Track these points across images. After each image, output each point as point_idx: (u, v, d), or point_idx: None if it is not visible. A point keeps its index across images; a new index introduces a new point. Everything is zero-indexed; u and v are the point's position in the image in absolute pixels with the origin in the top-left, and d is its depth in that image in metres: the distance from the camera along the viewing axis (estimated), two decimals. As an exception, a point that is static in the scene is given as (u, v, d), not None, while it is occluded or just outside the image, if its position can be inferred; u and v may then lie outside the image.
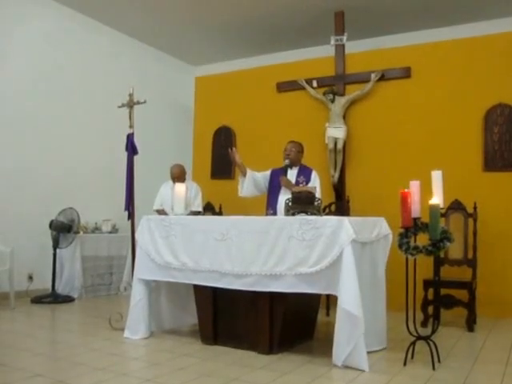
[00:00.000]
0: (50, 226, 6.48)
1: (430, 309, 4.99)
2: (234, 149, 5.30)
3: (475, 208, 5.35)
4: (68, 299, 6.39)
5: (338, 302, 3.46)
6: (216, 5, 7.02)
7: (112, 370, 3.41)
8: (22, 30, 6.69)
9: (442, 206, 3.41)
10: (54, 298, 6.30)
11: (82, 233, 6.86)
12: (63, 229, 6.49)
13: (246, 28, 7.72)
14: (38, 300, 6.23)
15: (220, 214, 6.73)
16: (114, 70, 7.88)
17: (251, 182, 5.22)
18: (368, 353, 3.46)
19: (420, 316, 4.69)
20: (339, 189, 6.63)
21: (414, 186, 3.52)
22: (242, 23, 7.58)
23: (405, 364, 3.54)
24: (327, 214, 5.48)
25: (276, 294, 3.80)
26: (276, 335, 3.87)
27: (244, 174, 5.20)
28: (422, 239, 3.60)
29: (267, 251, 3.74)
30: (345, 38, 6.79)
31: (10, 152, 6.49)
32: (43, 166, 6.84)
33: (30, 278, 6.60)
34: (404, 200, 3.43)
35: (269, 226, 3.78)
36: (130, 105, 4.97)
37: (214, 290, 4.12)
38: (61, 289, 6.60)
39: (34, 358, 3.72)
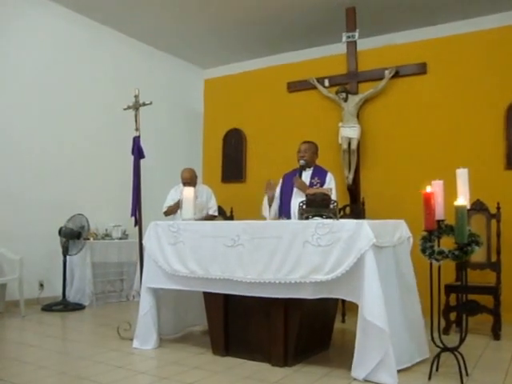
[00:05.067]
0: (60, 232, 6.38)
1: (452, 315, 4.79)
2: (272, 182, 5.06)
3: (498, 208, 5.10)
4: (78, 307, 6.28)
5: (360, 312, 3.24)
6: (224, 6, 6.89)
7: (118, 386, 3.25)
8: (30, 34, 6.63)
9: (468, 206, 3.18)
10: (65, 306, 6.20)
11: (91, 239, 6.74)
12: (73, 235, 6.39)
13: (255, 29, 7.57)
14: (49, 308, 6.13)
15: (231, 218, 6.55)
16: (123, 73, 7.75)
17: (276, 203, 5.06)
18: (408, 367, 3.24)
19: (441, 323, 4.46)
20: (354, 190, 6.43)
21: (437, 186, 3.30)
22: (251, 24, 7.43)
23: (430, 378, 3.29)
24: (342, 217, 5.27)
25: (291, 302, 3.60)
26: (291, 346, 3.67)
27: (271, 202, 5.04)
28: (445, 243, 3.39)
29: (281, 258, 3.53)
30: (357, 34, 6.60)
31: (18, 159, 6.40)
32: (51, 173, 6.73)
33: (41, 285, 6.51)
34: (427, 201, 3.21)
35: (282, 231, 3.57)
36: (136, 107, 4.82)
37: (226, 298, 3.94)
38: (71, 296, 6.50)
39: (38, 372, 3.56)
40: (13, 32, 6.45)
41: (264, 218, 4.98)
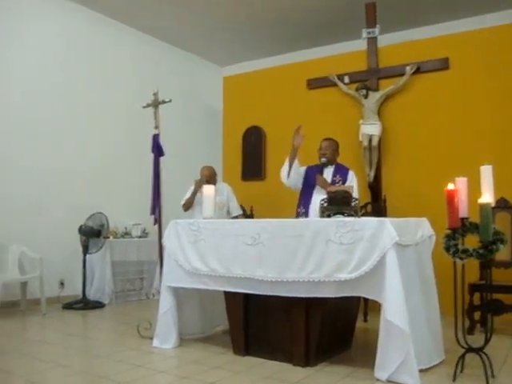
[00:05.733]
0: (80, 231, 6.41)
1: (476, 315, 4.70)
2: (300, 126, 5.00)
3: (523, 206, 5.00)
4: (98, 305, 6.32)
5: (382, 312, 3.19)
6: (242, 3, 6.84)
7: (139, 385, 3.23)
8: (46, 33, 6.69)
9: (493, 204, 3.11)
10: (85, 304, 6.24)
11: (111, 238, 6.76)
12: (92, 234, 6.42)
13: (273, 25, 7.53)
14: (69, 306, 6.18)
15: (251, 216, 6.52)
16: (141, 71, 7.78)
17: (296, 171, 5.00)
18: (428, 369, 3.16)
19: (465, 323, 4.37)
20: (375, 188, 6.35)
21: (461, 184, 3.22)
22: (269, 21, 7.39)
23: (454, 379, 3.21)
24: (363, 215, 5.21)
25: (312, 301, 3.55)
26: (313, 345, 3.62)
27: (292, 160, 4.96)
28: (468, 241, 3.31)
29: (303, 256, 3.48)
30: (377, 30, 6.52)
31: (38, 159, 6.45)
32: (72, 172, 6.78)
33: (62, 284, 6.54)
34: (450, 199, 3.14)
35: (303, 229, 3.52)
36: (155, 104, 4.82)
37: (246, 297, 3.90)
38: (91, 294, 6.53)
39: (58, 370, 3.56)
40: (33, 32, 6.51)
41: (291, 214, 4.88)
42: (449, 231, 3.23)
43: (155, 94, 4.84)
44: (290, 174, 4.97)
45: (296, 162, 5.00)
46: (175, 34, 8.00)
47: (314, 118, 6.94)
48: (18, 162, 6.25)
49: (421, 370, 3.21)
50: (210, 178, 6.01)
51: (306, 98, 7.16)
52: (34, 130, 6.42)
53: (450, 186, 3.21)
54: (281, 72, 7.47)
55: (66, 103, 6.81)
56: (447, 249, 3.19)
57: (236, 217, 6.03)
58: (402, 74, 6.36)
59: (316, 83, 7.09)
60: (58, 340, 4.62)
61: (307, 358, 3.62)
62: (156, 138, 4.82)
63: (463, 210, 3.20)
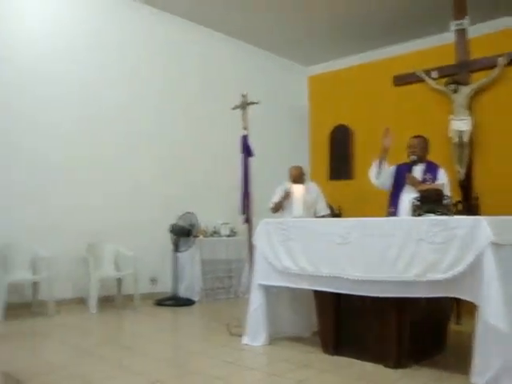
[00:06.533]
0: (171, 230, 6.61)
1: None
2: (389, 128, 4.95)
3: None
4: (189, 302, 6.50)
5: (479, 314, 3.07)
6: (324, 2, 6.79)
7: (230, 381, 3.30)
8: (151, 42, 7.14)
9: None
10: (176, 301, 6.43)
11: (201, 236, 6.93)
12: (183, 233, 6.61)
13: (357, 22, 7.46)
14: (161, 302, 6.40)
15: (339, 216, 6.47)
16: (225, 74, 7.98)
17: (386, 172, 4.94)
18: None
19: None
20: (466, 186, 6.12)
21: None
22: (353, 18, 7.34)
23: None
24: (454, 214, 5.03)
25: (403, 301, 3.49)
26: (404, 347, 3.55)
27: (381, 161, 4.90)
28: None
29: (394, 256, 3.42)
30: (466, 21, 6.27)
31: (132, 162, 6.79)
32: (163, 172, 7.06)
33: (153, 280, 6.78)
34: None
35: (394, 228, 3.46)
36: (244, 106, 4.90)
37: (336, 296, 3.88)
38: (182, 292, 6.72)
39: (153, 364, 3.71)
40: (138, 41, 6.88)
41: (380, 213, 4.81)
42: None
43: (244, 96, 4.93)
44: (380, 175, 4.90)
45: (385, 162, 4.92)
46: (259, 36, 8.09)
47: (401, 115, 6.80)
48: (117, 166, 6.64)
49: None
50: (298, 177, 6.03)
51: (393, 95, 7.02)
52: (128, 134, 6.77)
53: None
54: (366, 69, 7.38)
55: (159, 105, 7.16)
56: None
57: (323, 216, 6.01)
58: (494, 66, 6.10)
59: (403, 79, 6.92)
60: (151, 334, 4.82)
61: (398, 359, 3.55)
62: (245, 138, 4.91)
63: None
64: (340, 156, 7.37)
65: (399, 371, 3.49)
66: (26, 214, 5.77)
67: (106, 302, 6.03)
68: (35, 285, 5.67)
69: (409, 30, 7.47)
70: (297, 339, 4.37)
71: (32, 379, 3.29)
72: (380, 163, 4.91)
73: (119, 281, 6.21)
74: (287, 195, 5.88)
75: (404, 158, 4.97)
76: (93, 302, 5.77)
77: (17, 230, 5.63)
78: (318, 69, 8.51)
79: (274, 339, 4.28)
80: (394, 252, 3.42)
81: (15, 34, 5.93)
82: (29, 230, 5.73)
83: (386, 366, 3.56)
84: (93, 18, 6.57)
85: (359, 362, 3.71)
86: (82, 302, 5.99)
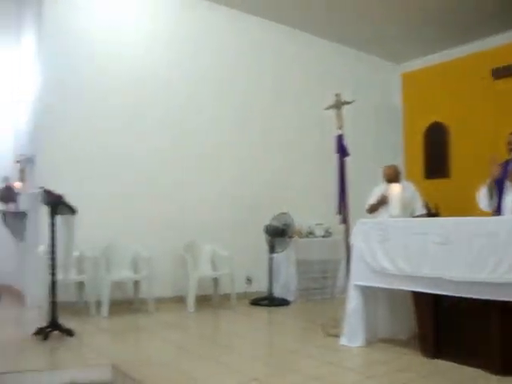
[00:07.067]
0: (265, 230, 6.68)
1: None
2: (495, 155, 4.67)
3: None
4: (284, 302, 6.51)
5: None
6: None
7: (328, 381, 3.29)
8: (234, 42, 7.20)
9: None
10: (271, 301, 6.47)
11: (296, 237, 6.95)
12: (277, 233, 6.66)
13: (449, 16, 7.10)
14: (256, 302, 6.46)
15: (436, 215, 6.26)
16: (315, 74, 7.94)
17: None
18: None
19: None
20: None
21: None
22: (444, 11, 6.96)
23: None
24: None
25: (508, 305, 3.31)
26: (510, 352, 3.37)
27: (491, 190, 4.56)
28: None
29: (496, 256, 3.27)
30: None
31: (222, 166, 6.91)
32: (257, 173, 7.16)
33: (248, 280, 6.88)
34: None
35: (498, 228, 3.31)
36: (338, 105, 4.86)
37: (436, 297, 3.76)
38: (277, 292, 6.74)
39: (250, 362, 3.77)
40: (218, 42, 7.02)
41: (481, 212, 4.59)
42: None
43: (337, 95, 4.89)
44: (491, 202, 4.56)
45: (495, 191, 4.53)
46: (349, 36, 7.98)
47: (500, 110, 6.48)
48: (211, 167, 6.80)
49: None
50: (392, 177, 5.88)
51: (492, 89, 6.70)
52: (218, 139, 6.90)
53: None
54: (462, 64, 7.10)
55: (242, 105, 7.22)
56: None
57: (420, 216, 5.82)
58: None
59: (503, 72, 6.60)
60: (247, 333, 4.90)
61: (504, 366, 3.37)
62: (340, 138, 4.87)
63: None
64: (435, 154, 7.14)
65: (506, 378, 3.30)
66: (127, 216, 6.04)
67: (203, 301, 6.17)
68: (136, 283, 5.92)
69: (507, 19, 7.01)
70: (394, 341, 4.29)
71: (139, 372, 3.41)
72: (490, 192, 4.57)
73: (216, 280, 6.34)
74: (384, 199, 5.75)
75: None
76: (191, 301, 5.92)
77: (119, 231, 5.91)
78: (411, 66, 8.27)
79: (369, 341, 4.21)
80: (496, 252, 3.28)
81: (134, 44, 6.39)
82: (130, 232, 6.00)
83: (492, 372, 3.39)
84: (189, 24, 6.80)
85: (461, 366, 3.56)
86: (180, 300, 6.17)
